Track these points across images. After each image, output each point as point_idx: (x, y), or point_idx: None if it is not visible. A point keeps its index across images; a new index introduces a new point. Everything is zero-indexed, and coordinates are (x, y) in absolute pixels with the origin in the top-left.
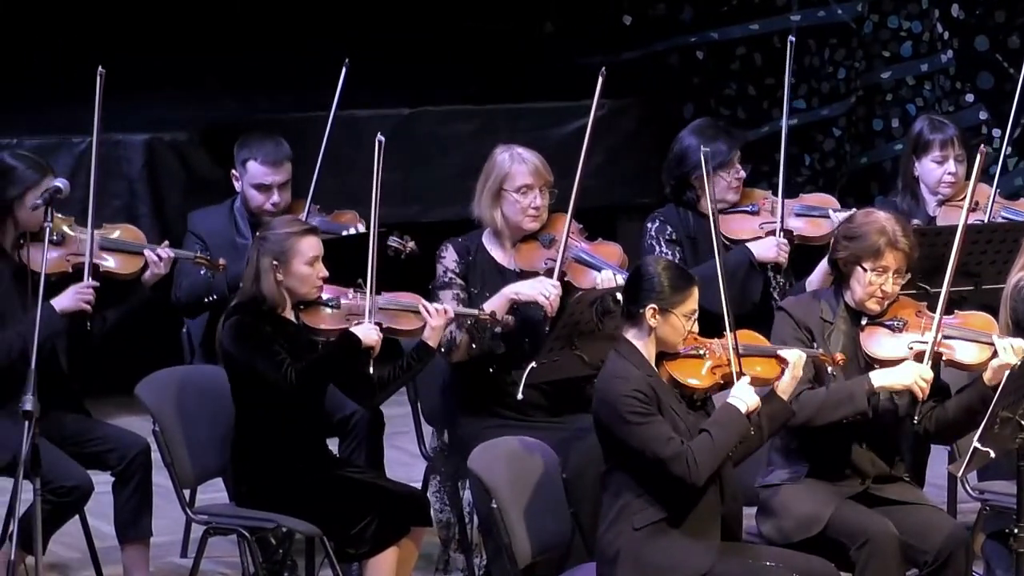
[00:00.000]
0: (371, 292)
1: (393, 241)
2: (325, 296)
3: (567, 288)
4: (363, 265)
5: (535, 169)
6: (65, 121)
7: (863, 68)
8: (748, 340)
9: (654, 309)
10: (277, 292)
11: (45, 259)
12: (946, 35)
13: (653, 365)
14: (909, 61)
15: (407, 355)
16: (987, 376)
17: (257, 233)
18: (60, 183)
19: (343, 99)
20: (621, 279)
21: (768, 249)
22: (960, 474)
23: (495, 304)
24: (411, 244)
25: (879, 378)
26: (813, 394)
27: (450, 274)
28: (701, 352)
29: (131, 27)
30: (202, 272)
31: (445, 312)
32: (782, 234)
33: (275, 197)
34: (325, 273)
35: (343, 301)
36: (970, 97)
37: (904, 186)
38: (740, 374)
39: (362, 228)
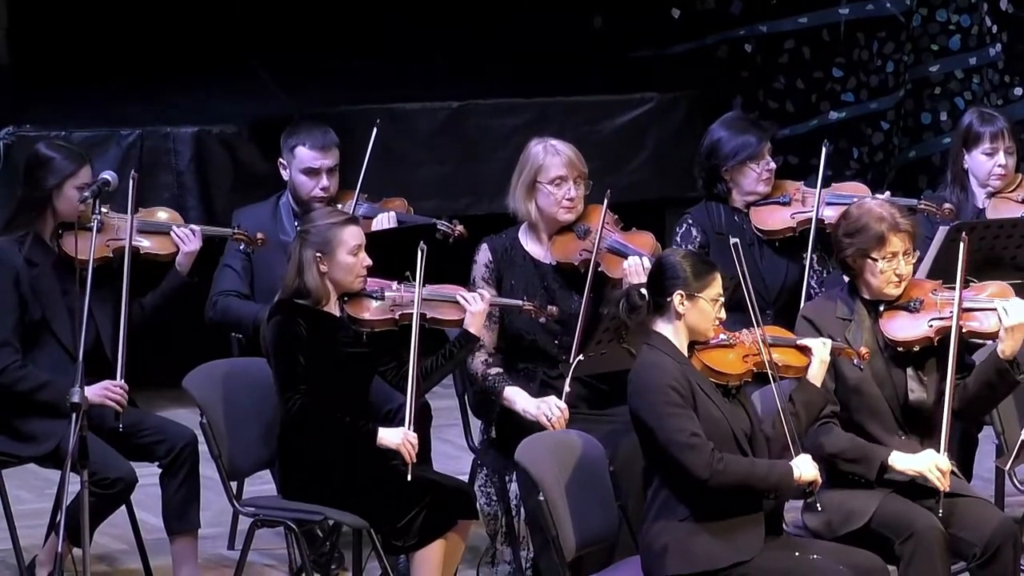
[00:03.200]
0: (419, 284)
1: (442, 226)
2: (370, 288)
3: (603, 279)
4: (408, 258)
5: (569, 161)
6: (114, 114)
7: (911, 61)
8: (775, 332)
9: (681, 295)
10: (321, 284)
11: (92, 249)
12: (995, 29)
13: (686, 354)
14: (958, 55)
15: (450, 344)
16: (1000, 347)
17: (298, 227)
18: (109, 176)
19: (393, 93)
20: (649, 264)
21: None
22: (1008, 468)
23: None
24: (459, 227)
25: (896, 459)
26: (839, 436)
27: (479, 281)
28: (731, 342)
29: (181, 20)
30: (241, 248)
31: (483, 298)
32: (815, 227)
33: (324, 181)
34: (368, 262)
35: (388, 293)
36: (1018, 91)
37: (953, 179)
38: (772, 363)
39: (392, 214)
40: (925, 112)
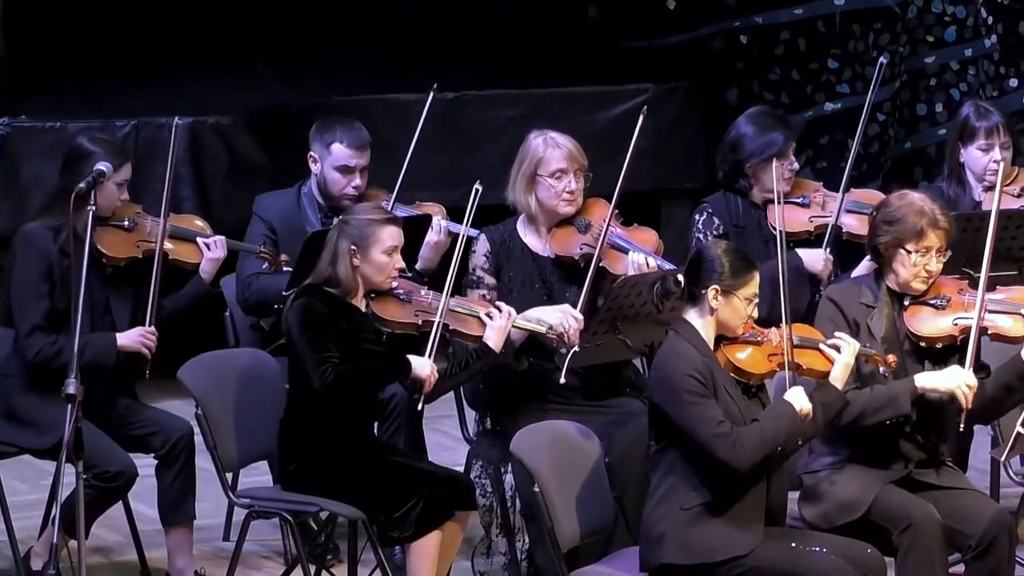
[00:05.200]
0: (447, 292)
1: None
2: (398, 290)
3: (602, 273)
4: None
5: (569, 153)
6: (109, 105)
7: (907, 53)
8: (804, 333)
9: (716, 290)
10: (351, 277)
11: (88, 242)
12: (990, 20)
13: (711, 348)
14: (953, 46)
15: (467, 353)
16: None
17: (340, 217)
18: (104, 167)
19: (388, 84)
20: (653, 261)
21: (816, 261)
22: (1003, 459)
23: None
24: None
25: (923, 380)
26: (858, 394)
27: (479, 271)
28: (759, 339)
29: (177, 11)
30: (264, 267)
31: (509, 315)
32: (833, 232)
33: (357, 180)
34: (401, 264)
35: (415, 298)
36: (1014, 82)
37: (950, 172)
38: (794, 364)
39: (443, 223)
40: (921, 103)
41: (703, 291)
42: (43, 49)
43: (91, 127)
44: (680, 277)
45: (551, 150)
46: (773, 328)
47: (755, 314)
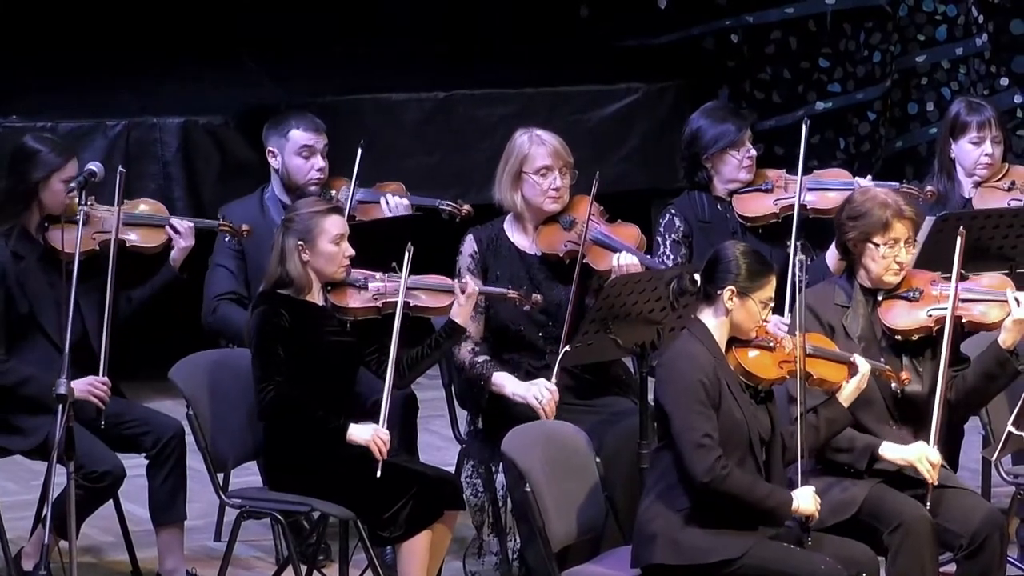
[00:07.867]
0: (406, 273)
1: (446, 205)
2: (354, 277)
3: (587, 270)
4: (397, 249)
5: (554, 151)
6: (100, 104)
7: (898, 52)
8: (818, 343)
9: (732, 291)
10: (303, 273)
11: (79, 242)
12: (981, 19)
13: (723, 349)
14: (944, 45)
15: (436, 333)
16: (1002, 338)
17: (283, 217)
18: (95, 167)
19: (379, 83)
20: (635, 259)
21: None
22: (994, 459)
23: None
24: (466, 207)
25: (886, 449)
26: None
27: (464, 272)
28: (771, 344)
29: (168, 9)
30: (227, 240)
31: (472, 292)
32: (798, 210)
33: (319, 162)
34: (351, 252)
35: (371, 283)
36: (1004, 81)
37: (940, 168)
38: (805, 372)
39: (404, 200)
40: (912, 102)
41: (719, 292)
42: (33, 48)
43: (81, 127)
44: (696, 276)
45: (536, 147)
46: (787, 336)
47: (770, 318)
